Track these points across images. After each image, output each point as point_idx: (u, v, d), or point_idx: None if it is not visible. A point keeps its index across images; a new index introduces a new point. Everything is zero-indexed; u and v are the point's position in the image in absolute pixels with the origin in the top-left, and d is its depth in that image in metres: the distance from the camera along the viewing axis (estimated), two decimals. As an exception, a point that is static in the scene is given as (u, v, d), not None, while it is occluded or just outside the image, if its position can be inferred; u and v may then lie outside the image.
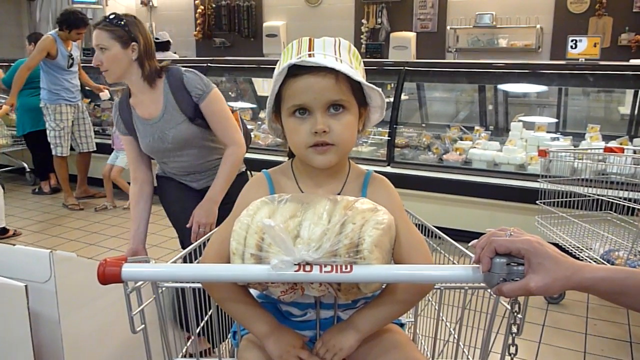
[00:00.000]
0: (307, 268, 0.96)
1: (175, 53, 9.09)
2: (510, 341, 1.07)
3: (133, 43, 2.23)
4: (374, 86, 1.13)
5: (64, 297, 1.48)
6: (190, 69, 2.31)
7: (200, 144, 2.34)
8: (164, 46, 7.51)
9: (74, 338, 1.53)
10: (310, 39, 1.12)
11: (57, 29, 5.11)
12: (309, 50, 1.09)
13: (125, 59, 2.23)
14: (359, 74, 1.10)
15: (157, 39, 7.50)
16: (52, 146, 5.25)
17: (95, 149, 5.59)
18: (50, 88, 5.11)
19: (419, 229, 1.75)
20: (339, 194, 1.16)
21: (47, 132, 5.25)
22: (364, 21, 8.13)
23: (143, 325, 1.13)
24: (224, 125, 2.24)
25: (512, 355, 1.07)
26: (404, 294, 1.13)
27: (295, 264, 0.96)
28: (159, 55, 7.31)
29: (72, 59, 5.22)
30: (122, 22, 2.22)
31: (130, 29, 2.24)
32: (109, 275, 0.98)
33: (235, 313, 1.17)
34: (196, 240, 1.73)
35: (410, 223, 1.19)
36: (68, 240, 4.48)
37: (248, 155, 2.47)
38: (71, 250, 4.23)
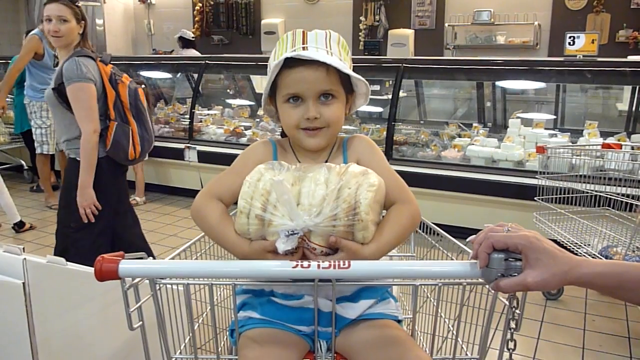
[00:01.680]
0: (305, 264, 0.96)
1: (172, 51, 9.11)
2: (508, 336, 1.07)
3: (82, 21, 2.74)
4: (360, 77, 1.26)
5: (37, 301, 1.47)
6: (87, 57, 2.64)
7: (56, 112, 2.73)
8: (191, 43, 7.56)
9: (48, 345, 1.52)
10: (303, 32, 1.26)
11: (40, 27, 5.00)
12: (303, 43, 1.23)
13: (76, 32, 2.71)
14: (347, 66, 1.24)
15: (184, 36, 7.55)
16: (36, 144, 5.16)
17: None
18: (36, 86, 5.04)
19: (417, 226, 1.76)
20: (326, 162, 1.30)
21: (33, 130, 5.17)
22: (362, 18, 8.13)
23: (141, 322, 1.13)
24: (76, 114, 2.57)
25: (510, 351, 1.07)
26: (400, 217, 1.22)
27: (297, 232, 1.05)
28: (185, 52, 7.37)
29: (57, 57, 5.19)
30: (77, 4, 2.73)
31: (81, 11, 2.75)
32: (106, 272, 0.98)
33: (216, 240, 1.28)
34: (87, 219, 2.58)
35: (388, 165, 1.31)
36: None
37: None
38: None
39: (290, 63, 1.21)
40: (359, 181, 1.12)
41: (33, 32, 5.08)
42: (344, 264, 0.96)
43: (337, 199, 1.08)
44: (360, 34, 8.17)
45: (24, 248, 1.53)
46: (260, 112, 5.56)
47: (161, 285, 1.14)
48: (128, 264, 1.00)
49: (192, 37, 7.62)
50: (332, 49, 1.24)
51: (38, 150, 5.19)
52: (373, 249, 1.13)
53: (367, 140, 1.37)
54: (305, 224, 1.06)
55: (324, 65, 1.20)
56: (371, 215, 1.10)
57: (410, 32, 7.43)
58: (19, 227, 4.60)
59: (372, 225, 1.13)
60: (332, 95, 1.25)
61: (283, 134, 1.40)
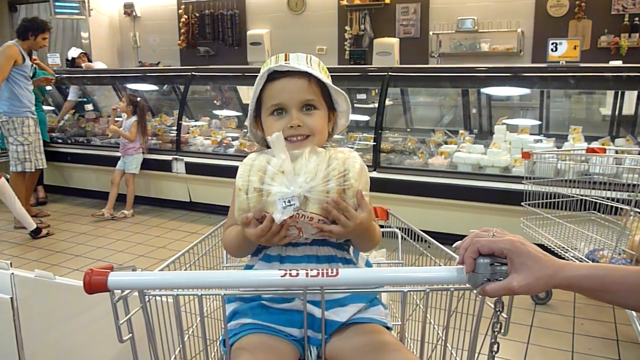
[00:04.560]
0: (293, 273, 0.97)
1: (158, 63, 9.10)
2: (492, 339, 1.09)
3: None
4: (339, 89, 1.31)
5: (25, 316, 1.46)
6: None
7: None
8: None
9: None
10: (286, 54, 1.31)
11: (16, 40, 4.97)
12: (285, 60, 1.28)
13: None
14: (327, 79, 1.30)
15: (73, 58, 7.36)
16: (16, 162, 4.97)
17: (46, 166, 5.32)
18: (14, 100, 4.88)
19: (405, 233, 1.77)
20: None
21: (11, 147, 4.97)
22: (347, 28, 8.17)
23: (130, 335, 1.13)
24: None
25: (493, 353, 1.08)
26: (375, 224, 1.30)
27: (294, 199, 1.11)
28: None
29: (34, 68, 5.17)
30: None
31: None
32: (95, 284, 0.98)
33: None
34: None
35: (367, 194, 1.31)
36: (53, 252, 4.43)
37: (234, 163, 2.49)
38: (55, 262, 4.19)
39: (274, 76, 1.27)
40: (345, 154, 1.21)
41: (9, 42, 5.00)
42: (332, 272, 0.97)
43: (327, 167, 1.16)
44: (345, 43, 8.21)
45: (11, 263, 1.52)
46: (247, 122, 5.56)
47: (150, 296, 1.14)
48: (117, 276, 1.00)
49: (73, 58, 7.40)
50: (313, 67, 1.29)
51: (17, 169, 5.02)
52: (366, 214, 1.18)
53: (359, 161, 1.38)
54: (302, 188, 1.12)
55: (305, 76, 1.26)
56: (360, 183, 1.17)
57: (395, 41, 7.49)
58: (36, 233, 4.73)
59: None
60: (314, 106, 1.28)
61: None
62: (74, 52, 7.51)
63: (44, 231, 4.78)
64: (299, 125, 1.25)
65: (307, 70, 1.26)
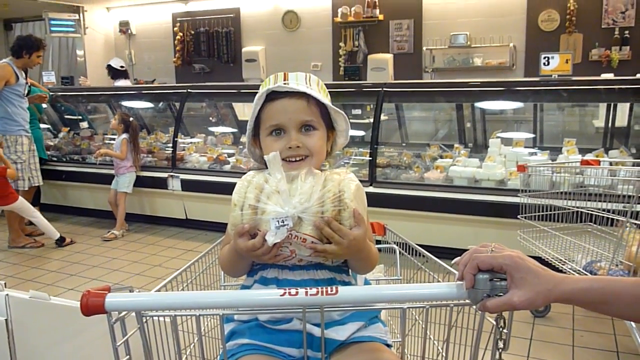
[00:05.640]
0: (293, 292, 0.96)
1: (154, 81, 9.12)
2: (497, 356, 1.08)
3: None
4: (339, 110, 1.31)
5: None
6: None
7: None
8: (125, 74, 7.52)
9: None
10: (285, 73, 1.31)
11: (10, 58, 4.98)
12: (284, 80, 1.28)
13: None
14: (326, 100, 1.29)
15: (122, 66, 7.48)
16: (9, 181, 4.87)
17: (42, 183, 5.34)
18: (7, 118, 4.89)
19: (402, 248, 1.76)
20: None
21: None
22: (341, 44, 8.24)
23: (128, 357, 1.11)
24: None
25: (499, 370, 1.07)
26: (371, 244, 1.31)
27: (287, 219, 1.11)
28: (122, 83, 7.31)
29: (29, 86, 5.16)
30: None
31: None
32: (92, 306, 0.97)
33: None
34: None
35: (365, 216, 1.30)
36: (48, 271, 4.40)
37: (231, 180, 2.48)
38: (50, 282, 4.16)
39: (273, 96, 1.27)
40: (341, 176, 1.22)
41: (3, 61, 5.00)
42: (331, 290, 0.97)
43: (323, 188, 1.17)
44: (340, 59, 8.27)
45: (5, 284, 1.51)
46: (243, 139, 5.57)
47: (148, 317, 1.13)
48: (114, 298, 0.99)
49: (122, 67, 7.53)
50: (312, 86, 1.29)
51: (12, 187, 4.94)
52: (362, 231, 1.18)
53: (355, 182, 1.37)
54: (296, 209, 1.13)
55: (304, 97, 1.26)
56: (355, 203, 1.17)
57: (389, 57, 7.50)
58: (60, 242, 4.99)
59: None
60: (313, 127, 1.28)
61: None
62: (115, 62, 7.56)
63: (68, 239, 5.04)
64: (297, 146, 1.25)
65: (306, 91, 1.26)
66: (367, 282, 1.52)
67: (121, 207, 5.36)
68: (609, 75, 5.36)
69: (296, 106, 1.26)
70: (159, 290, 1.31)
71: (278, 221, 1.12)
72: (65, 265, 4.55)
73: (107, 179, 5.51)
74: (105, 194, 5.52)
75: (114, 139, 5.69)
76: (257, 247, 1.15)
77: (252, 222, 1.16)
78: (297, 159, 1.26)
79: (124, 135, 5.33)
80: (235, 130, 6.11)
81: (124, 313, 1.07)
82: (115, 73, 7.47)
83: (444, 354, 1.30)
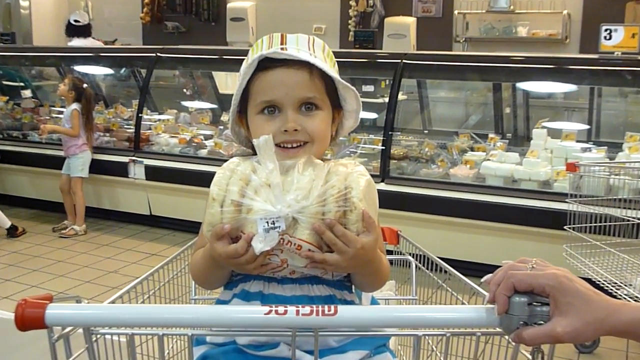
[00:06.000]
0: (281, 310, 0.96)
1: (115, 41, 9.09)
2: (533, 400, 1.08)
3: None
4: (349, 85, 1.27)
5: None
6: None
7: None
8: (86, 31, 7.45)
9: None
10: (282, 34, 1.26)
11: None
12: (282, 44, 1.24)
13: None
14: (333, 71, 1.26)
15: (76, 21, 7.45)
16: None
17: None
18: None
19: (419, 261, 1.76)
20: None
21: None
22: (352, 3, 8.22)
23: (72, 383, 1.12)
24: None
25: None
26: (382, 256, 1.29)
27: (279, 220, 1.09)
28: (77, 42, 7.25)
29: None
30: None
31: None
32: (29, 319, 0.97)
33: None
34: None
35: (377, 219, 1.29)
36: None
37: (207, 169, 2.48)
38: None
39: (266, 65, 1.22)
40: (349, 169, 1.19)
41: None
42: (329, 310, 0.96)
43: (325, 183, 1.14)
44: (350, 22, 8.25)
45: None
46: (225, 117, 5.57)
47: (99, 335, 1.13)
48: (57, 309, 0.98)
49: (76, 21, 7.42)
50: (317, 53, 1.25)
51: None
52: (372, 238, 1.15)
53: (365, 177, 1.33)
54: (290, 208, 1.10)
55: (306, 67, 1.22)
56: (365, 204, 1.15)
57: (411, 21, 7.52)
58: (12, 231, 5.19)
59: None
60: (316, 105, 1.25)
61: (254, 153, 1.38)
62: (75, 17, 7.50)
63: (21, 227, 5.22)
64: (295, 130, 1.22)
65: (309, 59, 1.21)
66: (374, 302, 1.52)
67: (79, 196, 5.36)
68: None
69: (295, 79, 1.22)
70: (113, 302, 1.31)
71: (267, 222, 1.10)
72: (-2, 267, 4.56)
73: (55, 162, 5.50)
74: (51, 180, 5.52)
75: (63, 113, 5.67)
76: (239, 254, 1.13)
77: (235, 223, 1.14)
78: (294, 145, 1.23)
79: (75, 106, 5.30)
80: (215, 106, 6.10)
81: (68, 329, 1.07)
82: (70, 30, 7.44)
83: (466, 395, 1.30)
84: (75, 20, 7.48)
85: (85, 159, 5.38)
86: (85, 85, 5.49)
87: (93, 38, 7.73)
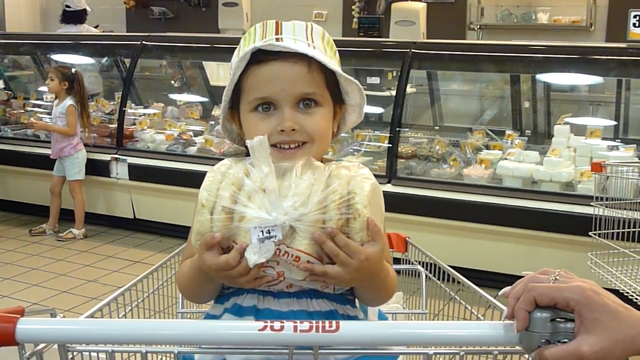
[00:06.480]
0: (277, 326, 0.96)
1: (96, 27, 9.09)
2: None
3: None
4: (352, 78, 1.26)
5: None
6: None
7: None
8: (79, 17, 7.48)
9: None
10: (277, 22, 1.27)
11: None
12: (277, 34, 1.24)
13: None
14: (334, 64, 1.25)
15: (67, 6, 7.47)
16: None
17: None
18: None
19: (429, 270, 1.76)
20: None
21: None
22: (356, -14, 8.23)
23: (46, 406, 1.11)
24: None
25: None
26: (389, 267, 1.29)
27: (275, 229, 1.08)
28: (72, 29, 7.27)
29: None
30: None
31: None
32: (-3, 335, 0.96)
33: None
34: None
35: (383, 225, 1.29)
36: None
37: (197, 168, 2.48)
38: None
39: (260, 57, 1.22)
40: (352, 171, 1.19)
41: None
42: (330, 326, 0.96)
43: (326, 188, 1.14)
44: (353, 7, 8.26)
45: None
46: (216, 112, 5.57)
47: (75, 353, 1.13)
48: (29, 324, 0.98)
49: (68, 7, 7.44)
50: (315, 43, 1.26)
51: None
52: (377, 248, 1.15)
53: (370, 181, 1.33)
54: (288, 215, 1.09)
55: (304, 60, 1.21)
56: (369, 211, 1.14)
57: (421, 6, 7.52)
58: None
59: None
60: (316, 101, 1.24)
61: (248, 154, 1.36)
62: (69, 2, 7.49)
63: None
64: (293, 129, 1.21)
65: (308, 52, 1.21)
66: (382, 317, 1.51)
67: (78, 200, 5.38)
68: None
69: (292, 73, 1.21)
70: (92, 316, 1.31)
71: (262, 231, 1.09)
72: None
73: (29, 160, 5.50)
74: (29, 180, 5.52)
75: (40, 106, 5.67)
76: (231, 266, 1.12)
77: (226, 231, 1.13)
78: (292, 145, 1.23)
79: (70, 101, 5.27)
80: (205, 99, 6.11)
81: (41, 345, 1.07)
82: (65, 16, 7.45)
83: (481, 419, 1.30)
84: (67, 6, 7.49)
85: (81, 159, 5.40)
86: (74, 70, 5.44)
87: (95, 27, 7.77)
